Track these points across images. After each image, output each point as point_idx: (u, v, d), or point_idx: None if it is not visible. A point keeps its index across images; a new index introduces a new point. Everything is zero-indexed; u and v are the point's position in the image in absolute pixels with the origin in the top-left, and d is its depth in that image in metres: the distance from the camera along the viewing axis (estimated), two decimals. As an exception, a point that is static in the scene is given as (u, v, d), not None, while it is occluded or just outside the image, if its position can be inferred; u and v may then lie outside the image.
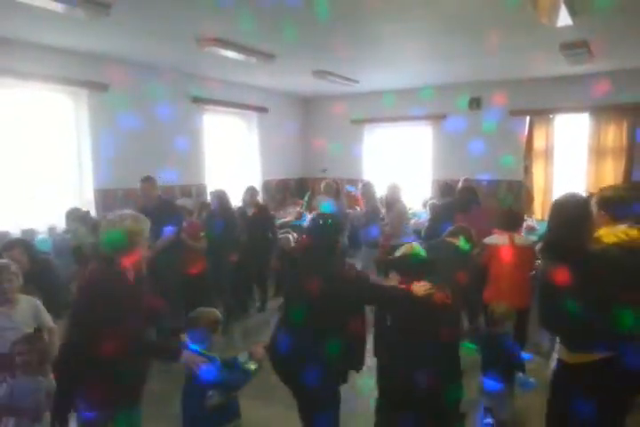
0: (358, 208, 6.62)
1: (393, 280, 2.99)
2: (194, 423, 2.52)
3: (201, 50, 5.09)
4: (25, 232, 5.00)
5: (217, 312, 2.75)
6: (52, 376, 2.72)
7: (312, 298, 2.48)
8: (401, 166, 8.77)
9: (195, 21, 4.38)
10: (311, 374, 2.46)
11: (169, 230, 4.73)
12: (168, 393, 3.25)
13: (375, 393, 3.02)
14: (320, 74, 6.68)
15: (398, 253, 3.06)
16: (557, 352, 2.42)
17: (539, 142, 7.61)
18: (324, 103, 9.34)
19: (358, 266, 6.06)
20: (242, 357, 2.63)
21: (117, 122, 5.73)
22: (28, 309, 3.00)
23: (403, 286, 2.67)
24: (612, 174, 7.10)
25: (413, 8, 4.07)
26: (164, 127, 6.46)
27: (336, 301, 2.49)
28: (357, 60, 6.06)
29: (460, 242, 3.41)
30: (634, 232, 2.31)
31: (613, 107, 6.90)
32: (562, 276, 2.07)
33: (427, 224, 5.81)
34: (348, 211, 6.73)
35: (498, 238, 4.21)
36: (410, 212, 6.74)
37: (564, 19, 3.98)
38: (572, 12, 3.88)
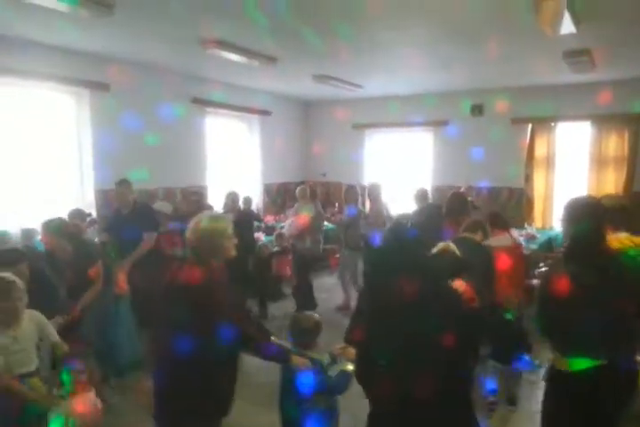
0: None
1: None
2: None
3: (203, 52, 5.10)
4: (25, 232, 4.97)
5: (316, 316, 2.72)
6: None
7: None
8: (401, 172, 8.77)
9: (198, 23, 4.38)
10: None
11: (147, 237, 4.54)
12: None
13: None
14: (321, 78, 6.69)
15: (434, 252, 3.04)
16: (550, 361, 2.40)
17: (540, 150, 7.61)
18: (326, 107, 9.35)
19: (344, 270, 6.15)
20: (325, 359, 2.54)
21: (119, 122, 5.72)
22: (31, 325, 2.83)
23: None
24: (612, 183, 7.09)
25: (415, 15, 4.07)
26: (165, 129, 6.46)
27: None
28: (359, 65, 6.07)
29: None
30: (638, 239, 2.31)
31: (615, 116, 6.90)
32: (589, 280, 2.05)
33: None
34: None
35: (501, 240, 4.22)
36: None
37: (567, 27, 3.97)
38: (576, 21, 3.87)
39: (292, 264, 6.29)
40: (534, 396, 3.76)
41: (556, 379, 2.32)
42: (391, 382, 1.69)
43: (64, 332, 3.12)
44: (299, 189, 6.47)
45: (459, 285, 2.34)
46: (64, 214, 5.18)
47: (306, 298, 5.89)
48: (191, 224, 2.32)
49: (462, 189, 6.81)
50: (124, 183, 4.73)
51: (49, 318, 3.02)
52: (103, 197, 5.81)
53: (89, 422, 2.66)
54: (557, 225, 7.27)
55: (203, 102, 7.07)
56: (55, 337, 2.94)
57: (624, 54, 5.35)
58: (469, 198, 6.91)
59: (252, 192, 8.05)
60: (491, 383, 3.71)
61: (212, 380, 2.17)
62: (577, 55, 5.15)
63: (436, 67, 6.12)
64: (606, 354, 2.16)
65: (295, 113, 9.38)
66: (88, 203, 5.75)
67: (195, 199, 5.73)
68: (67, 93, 5.62)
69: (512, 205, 7.63)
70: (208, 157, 7.35)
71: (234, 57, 5.27)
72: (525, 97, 7.35)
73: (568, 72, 5.88)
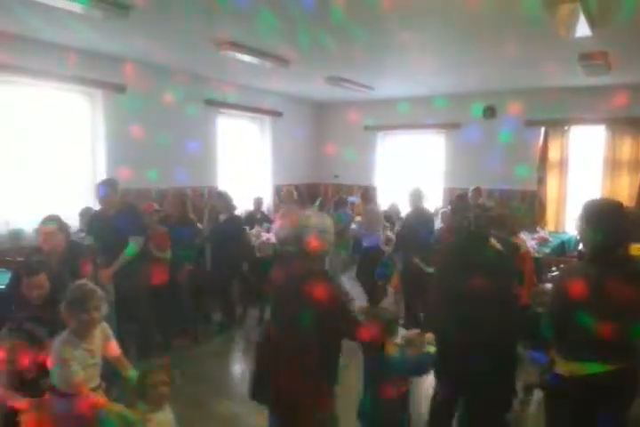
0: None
1: None
2: (378, 409, 2.57)
3: (217, 53, 5.12)
4: (37, 231, 5.03)
5: (391, 311, 2.83)
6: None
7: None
8: (413, 174, 8.73)
9: (212, 25, 4.40)
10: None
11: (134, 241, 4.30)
12: (201, 395, 3.45)
13: None
14: (334, 80, 6.69)
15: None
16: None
17: (553, 153, 7.55)
18: (338, 109, 9.35)
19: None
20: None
21: (132, 122, 5.76)
22: (100, 338, 2.65)
23: None
24: (627, 188, 7.03)
25: (430, 16, 4.05)
26: (178, 129, 6.50)
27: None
28: (372, 67, 6.06)
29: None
30: None
31: (630, 120, 6.83)
32: (619, 284, 2.04)
33: (398, 231, 5.96)
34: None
35: (524, 242, 4.22)
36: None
37: (582, 30, 3.94)
38: (592, 24, 3.84)
39: None
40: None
41: (559, 384, 2.30)
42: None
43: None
44: (284, 190, 6.35)
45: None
46: (75, 213, 5.27)
47: None
48: (302, 221, 2.40)
49: (470, 191, 6.82)
50: (108, 183, 4.38)
51: None
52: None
53: None
54: (570, 228, 7.22)
55: (215, 103, 7.11)
56: (117, 350, 2.72)
57: (639, 58, 5.30)
58: (480, 200, 6.91)
59: (263, 193, 8.06)
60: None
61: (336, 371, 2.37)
62: (592, 58, 5.09)
63: (449, 68, 6.09)
64: (617, 359, 2.14)
65: (307, 114, 9.39)
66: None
67: (181, 201, 5.27)
68: (81, 94, 5.67)
69: (523, 208, 7.57)
70: (220, 158, 7.38)
71: (247, 58, 5.29)
72: (539, 99, 7.29)
73: (582, 75, 5.82)
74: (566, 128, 7.42)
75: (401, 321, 4.13)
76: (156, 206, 5.11)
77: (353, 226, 6.60)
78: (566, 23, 3.82)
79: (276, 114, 8.32)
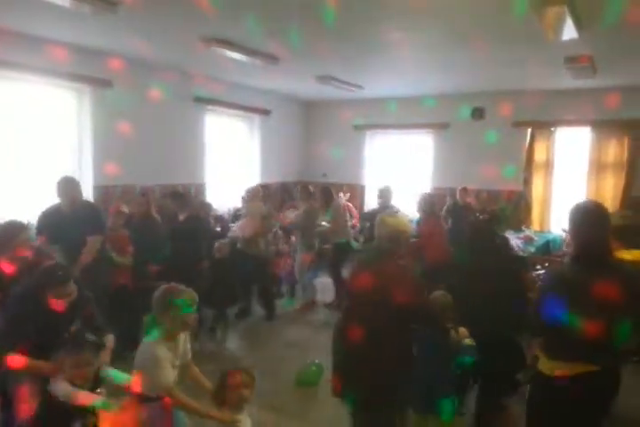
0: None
1: None
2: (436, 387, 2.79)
3: (205, 50, 5.09)
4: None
5: (448, 297, 2.97)
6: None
7: None
8: (401, 173, 8.78)
9: (201, 21, 4.38)
10: None
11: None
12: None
13: None
14: (324, 79, 6.69)
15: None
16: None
17: (539, 154, 7.63)
18: (327, 108, 9.35)
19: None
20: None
21: (119, 119, 5.71)
22: (183, 343, 2.61)
23: None
24: (611, 189, 7.13)
25: (420, 18, 4.08)
26: (165, 125, 6.47)
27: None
28: (362, 66, 6.08)
29: None
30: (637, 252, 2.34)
31: (615, 122, 6.93)
32: (604, 285, 2.07)
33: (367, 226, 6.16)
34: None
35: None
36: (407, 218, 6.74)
37: (569, 32, 3.99)
38: (579, 26, 3.89)
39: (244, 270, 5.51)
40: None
41: (542, 383, 2.33)
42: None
43: None
44: (249, 188, 6.19)
45: None
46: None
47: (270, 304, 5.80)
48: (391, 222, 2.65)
49: (458, 193, 6.91)
50: (66, 180, 4.26)
51: None
52: (102, 193, 5.81)
53: None
54: (555, 228, 7.31)
55: (204, 100, 7.07)
56: (189, 355, 2.69)
57: (625, 61, 5.37)
58: (467, 200, 6.98)
59: (251, 191, 8.03)
60: None
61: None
62: (578, 61, 5.16)
63: (438, 69, 6.13)
64: (601, 360, 2.16)
65: (296, 113, 9.39)
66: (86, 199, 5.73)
67: (144, 200, 5.08)
68: (68, 89, 5.61)
69: (509, 208, 7.65)
70: (207, 155, 7.35)
71: (236, 56, 5.27)
72: (526, 101, 7.33)
73: (569, 77, 5.89)
74: (552, 130, 7.51)
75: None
76: (125, 209, 4.84)
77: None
78: (554, 26, 3.86)
79: (264, 112, 8.30)
